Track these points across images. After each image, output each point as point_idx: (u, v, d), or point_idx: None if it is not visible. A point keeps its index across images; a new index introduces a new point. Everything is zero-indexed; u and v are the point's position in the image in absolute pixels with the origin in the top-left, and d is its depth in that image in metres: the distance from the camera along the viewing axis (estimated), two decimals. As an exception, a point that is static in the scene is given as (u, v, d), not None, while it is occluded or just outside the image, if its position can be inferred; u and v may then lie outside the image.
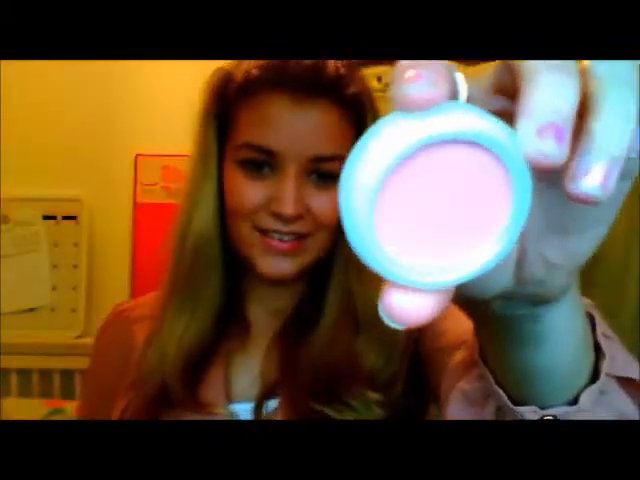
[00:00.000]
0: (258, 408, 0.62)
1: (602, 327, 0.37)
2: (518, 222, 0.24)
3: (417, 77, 0.22)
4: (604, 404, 0.35)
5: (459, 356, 0.41)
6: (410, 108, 0.22)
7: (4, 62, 1.39)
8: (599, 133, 0.22)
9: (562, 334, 0.32)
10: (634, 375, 0.37)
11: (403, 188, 0.24)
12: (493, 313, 0.30)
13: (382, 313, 0.24)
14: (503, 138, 0.23)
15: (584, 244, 0.28)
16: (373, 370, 0.61)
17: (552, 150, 0.22)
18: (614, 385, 0.36)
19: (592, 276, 1.12)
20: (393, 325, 0.24)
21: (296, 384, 0.62)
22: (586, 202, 0.22)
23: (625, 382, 0.36)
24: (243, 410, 0.62)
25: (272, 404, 0.61)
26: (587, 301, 0.37)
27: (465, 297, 0.28)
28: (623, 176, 0.24)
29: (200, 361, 0.64)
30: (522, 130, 0.22)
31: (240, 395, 0.64)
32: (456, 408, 0.37)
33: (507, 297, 0.29)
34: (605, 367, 0.35)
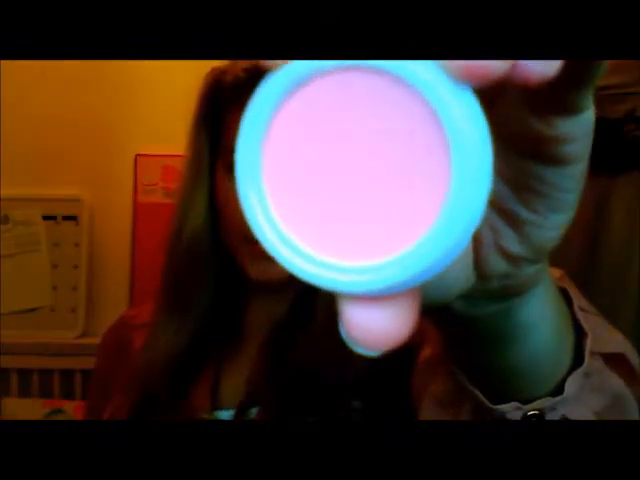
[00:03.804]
0: (239, 415, 0.61)
1: (578, 300, 0.34)
2: (465, 189, 0.17)
3: None
4: (591, 387, 0.33)
5: (426, 352, 0.38)
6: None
7: (4, 62, 1.39)
8: None
9: (538, 324, 0.29)
10: (618, 349, 0.35)
11: (293, 143, 0.19)
12: (456, 314, 0.27)
13: (345, 336, 0.19)
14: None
15: (545, 233, 0.24)
16: (358, 375, 0.60)
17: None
18: (599, 363, 0.34)
19: (592, 276, 1.12)
20: (363, 351, 0.19)
21: (277, 392, 0.61)
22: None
23: (610, 358, 0.34)
24: (226, 417, 0.62)
25: (254, 412, 0.61)
26: (558, 273, 0.36)
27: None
28: (577, 157, 0.22)
29: (189, 367, 0.64)
30: None
31: (226, 402, 0.63)
32: (430, 414, 0.34)
33: (470, 296, 0.26)
34: (588, 347, 0.32)
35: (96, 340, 0.80)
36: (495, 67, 0.17)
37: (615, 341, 0.35)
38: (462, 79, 0.17)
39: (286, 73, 0.18)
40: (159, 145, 1.54)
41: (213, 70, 0.64)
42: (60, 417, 1.47)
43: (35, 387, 1.55)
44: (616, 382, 0.34)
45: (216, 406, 0.63)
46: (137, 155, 1.57)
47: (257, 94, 0.19)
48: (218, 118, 0.63)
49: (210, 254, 0.64)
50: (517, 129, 0.22)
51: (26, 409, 1.49)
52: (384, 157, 0.18)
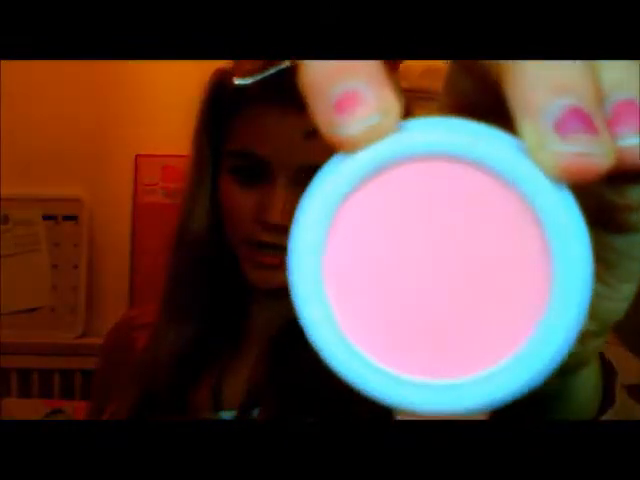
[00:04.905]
0: (240, 416, 0.61)
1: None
2: (567, 301, 0.15)
3: (354, 105, 0.15)
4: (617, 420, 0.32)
5: None
6: (353, 150, 0.16)
7: (4, 62, 1.39)
8: None
9: (586, 385, 0.29)
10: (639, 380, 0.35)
11: (367, 244, 0.16)
12: None
13: None
14: (505, 155, 0.15)
15: (614, 305, 0.23)
16: None
17: (588, 146, 0.15)
18: (624, 396, 0.33)
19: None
20: None
21: (278, 393, 0.61)
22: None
23: (633, 389, 0.34)
24: (228, 418, 0.62)
25: (256, 413, 0.61)
26: None
27: None
28: None
29: (191, 368, 0.64)
30: (531, 138, 0.15)
31: (228, 403, 0.63)
32: None
33: None
34: (619, 386, 0.31)
35: (96, 340, 0.80)
36: (602, 164, 0.15)
37: (636, 371, 0.35)
38: (564, 178, 0.15)
39: (359, 159, 0.16)
40: (159, 145, 1.54)
41: (216, 71, 0.65)
42: (60, 417, 1.47)
43: (35, 387, 1.55)
44: (638, 412, 0.33)
45: (218, 407, 0.63)
46: (137, 155, 1.57)
47: (320, 181, 0.17)
48: (221, 120, 0.63)
49: (212, 256, 0.64)
50: (590, 200, 0.21)
51: (26, 409, 1.49)
52: (472, 260, 0.16)
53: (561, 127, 0.15)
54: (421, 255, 0.16)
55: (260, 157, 0.59)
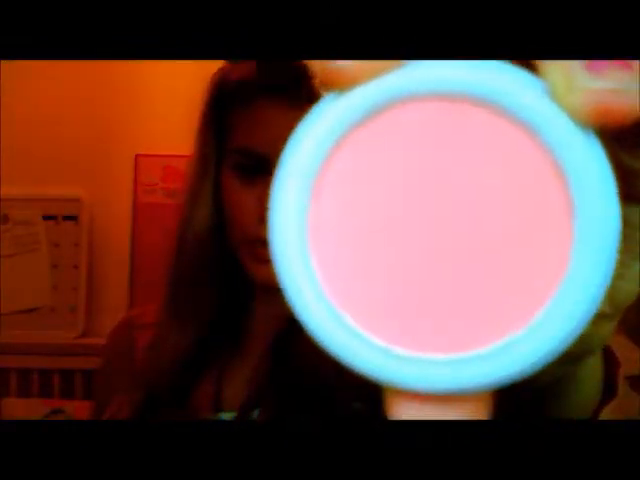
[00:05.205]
0: (241, 417, 0.61)
1: None
2: (589, 265, 0.13)
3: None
4: (618, 411, 0.32)
5: None
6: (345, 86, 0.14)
7: (4, 62, 1.39)
8: None
9: (590, 374, 0.28)
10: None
11: (357, 193, 0.13)
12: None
13: None
14: (525, 94, 0.13)
15: (626, 286, 0.21)
16: (359, 376, 0.59)
17: (622, 82, 0.13)
18: (626, 388, 0.33)
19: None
20: None
21: (279, 394, 0.61)
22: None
23: (634, 379, 0.34)
24: (229, 419, 0.62)
25: (256, 414, 0.61)
26: None
27: None
28: None
29: (193, 368, 0.64)
30: (557, 78, 0.13)
31: (229, 404, 0.64)
32: None
33: None
34: (622, 378, 0.31)
35: (96, 340, 0.80)
36: (637, 103, 0.13)
37: (636, 361, 0.34)
38: (595, 120, 0.13)
39: (354, 96, 0.14)
40: (159, 145, 1.54)
41: (218, 71, 0.65)
42: (60, 417, 1.47)
43: (35, 387, 1.55)
44: (638, 403, 0.33)
45: (218, 408, 0.63)
46: (137, 155, 1.57)
47: (306, 126, 0.14)
48: (224, 118, 0.63)
49: (215, 256, 0.64)
50: None
51: (26, 409, 1.49)
52: (483, 218, 0.13)
53: (592, 64, 0.13)
54: (423, 213, 0.13)
55: (262, 154, 0.59)
